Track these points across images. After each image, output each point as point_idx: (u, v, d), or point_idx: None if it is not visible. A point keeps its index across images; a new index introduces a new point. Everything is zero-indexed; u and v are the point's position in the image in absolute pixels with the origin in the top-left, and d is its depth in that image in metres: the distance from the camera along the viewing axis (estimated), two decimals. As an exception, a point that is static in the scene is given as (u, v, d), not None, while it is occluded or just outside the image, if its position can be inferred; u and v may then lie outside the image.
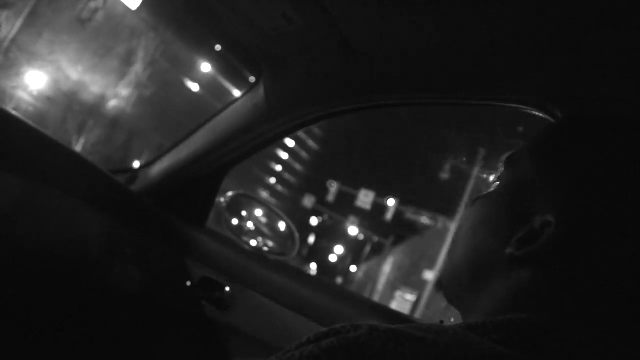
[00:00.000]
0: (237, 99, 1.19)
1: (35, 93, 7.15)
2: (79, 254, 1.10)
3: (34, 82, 7.18)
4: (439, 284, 0.59)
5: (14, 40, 7.00)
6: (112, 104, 8.72)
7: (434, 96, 1.02)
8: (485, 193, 0.59)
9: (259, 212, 1.58)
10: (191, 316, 1.21)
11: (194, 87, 10.72)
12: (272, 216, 1.51)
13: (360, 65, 1.01)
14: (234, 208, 1.43)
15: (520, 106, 0.88)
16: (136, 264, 1.20)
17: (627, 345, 0.45)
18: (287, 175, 19.86)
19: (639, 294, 0.46)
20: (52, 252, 1.06)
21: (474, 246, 0.55)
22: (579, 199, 0.48)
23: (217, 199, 1.35)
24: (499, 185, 0.57)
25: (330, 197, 17.34)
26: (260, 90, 1.13)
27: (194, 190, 1.29)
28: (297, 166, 20.16)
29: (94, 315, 1.20)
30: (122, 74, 8.62)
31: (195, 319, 1.21)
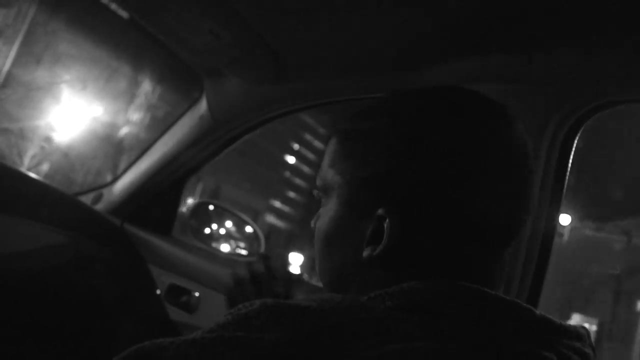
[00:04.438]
0: (184, 113, 1.26)
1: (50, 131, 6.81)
2: (52, 276, 1.17)
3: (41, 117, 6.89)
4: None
5: (9, 73, 6.72)
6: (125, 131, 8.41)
7: (358, 93, 1.08)
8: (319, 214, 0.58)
9: (227, 217, 1.64)
10: (161, 321, 1.28)
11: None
12: (239, 220, 1.57)
13: (289, 72, 1.07)
14: (200, 216, 1.49)
15: None
16: (107, 278, 1.26)
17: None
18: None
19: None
20: (26, 277, 1.12)
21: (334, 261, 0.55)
22: (396, 185, 0.49)
23: (180, 209, 1.41)
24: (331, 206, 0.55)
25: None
26: (204, 104, 1.19)
27: (156, 202, 1.36)
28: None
29: (73, 330, 1.27)
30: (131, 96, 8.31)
31: (165, 323, 1.27)
